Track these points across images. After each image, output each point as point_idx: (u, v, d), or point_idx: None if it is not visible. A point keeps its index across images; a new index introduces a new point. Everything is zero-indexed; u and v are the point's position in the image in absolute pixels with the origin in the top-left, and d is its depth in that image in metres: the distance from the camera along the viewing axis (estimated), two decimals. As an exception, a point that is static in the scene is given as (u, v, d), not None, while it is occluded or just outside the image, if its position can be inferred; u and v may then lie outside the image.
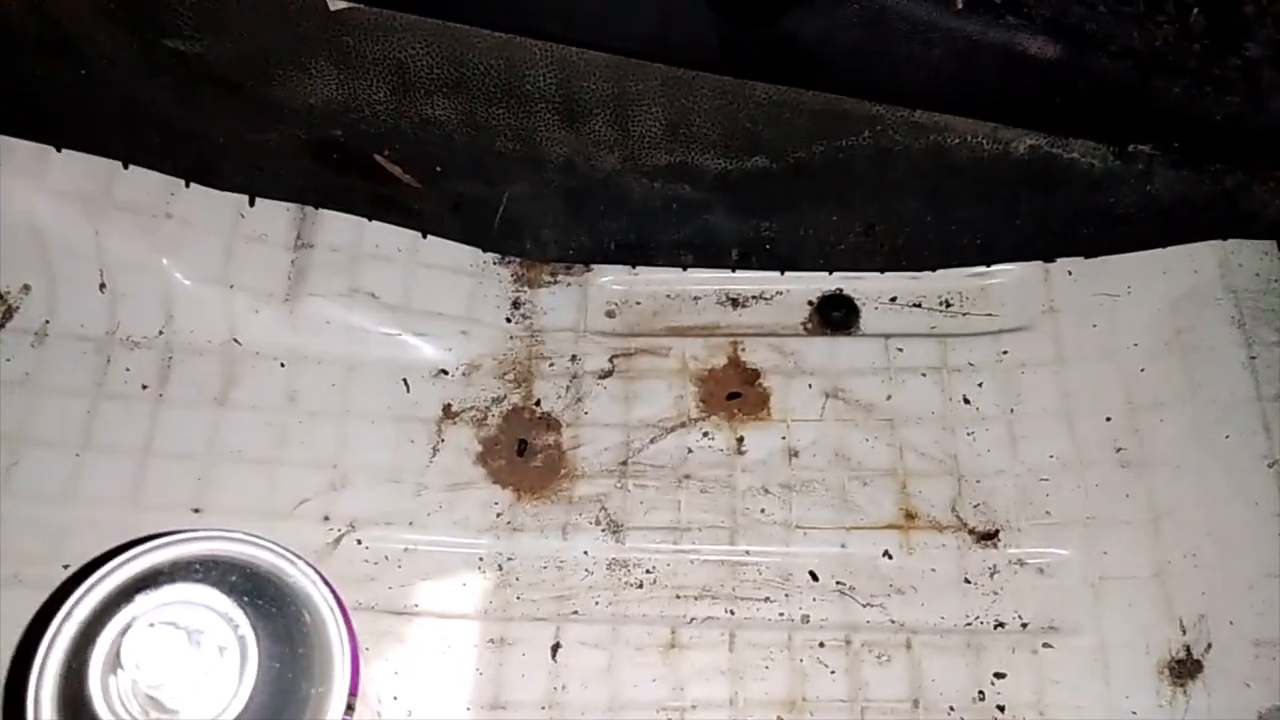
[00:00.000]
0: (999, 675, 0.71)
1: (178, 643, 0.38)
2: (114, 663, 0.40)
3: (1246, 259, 0.80)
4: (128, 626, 0.40)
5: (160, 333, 0.80)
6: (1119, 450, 0.77)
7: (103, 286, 0.80)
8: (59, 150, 0.78)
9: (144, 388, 0.79)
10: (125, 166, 0.80)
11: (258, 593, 0.42)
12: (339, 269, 0.82)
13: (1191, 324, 0.79)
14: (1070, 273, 0.83)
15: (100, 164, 0.79)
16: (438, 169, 0.83)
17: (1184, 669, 0.69)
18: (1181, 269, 0.81)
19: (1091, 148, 0.81)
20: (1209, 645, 0.70)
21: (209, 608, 0.41)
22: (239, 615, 0.41)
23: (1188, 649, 0.70)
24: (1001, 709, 0.70)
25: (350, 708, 0.43)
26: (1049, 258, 0.84)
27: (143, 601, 0.41)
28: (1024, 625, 0.73)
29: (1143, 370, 0.79)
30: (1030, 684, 0.71)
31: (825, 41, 0.76)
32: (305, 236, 0.83)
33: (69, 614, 0.42)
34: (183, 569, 0.42)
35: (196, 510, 0.75)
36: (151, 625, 0.39)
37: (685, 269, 0.87)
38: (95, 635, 0.41)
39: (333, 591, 0.44)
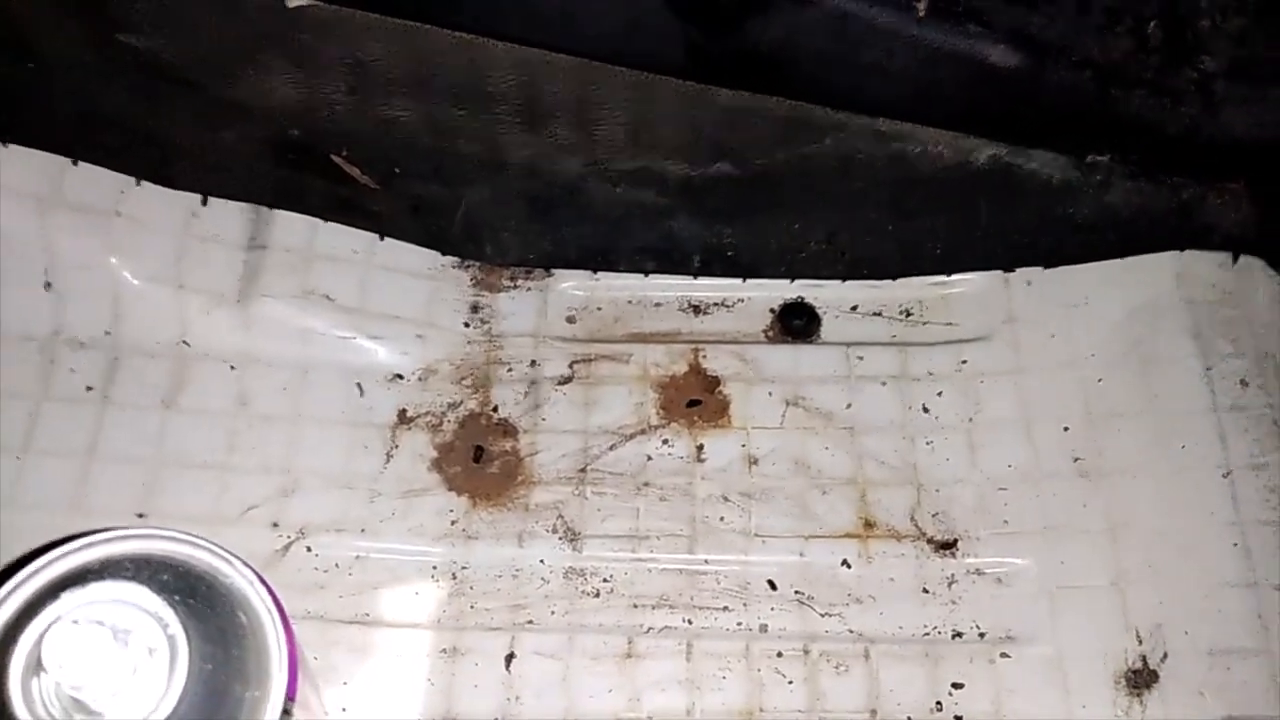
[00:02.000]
0: (957, 685, 0.71)
1: (102, 641, 0.37)
2: (36, 664, 0.38)
3: (1203, 270, 0.80)
4: (50, 625, 0.38)
5: (107, 333, 0.78)
6: (1076, 460, 0.77)
7: (48, 285, 0.78)
8: (5, 145, 0.77)
9: (89, 389, 0.77)
10: (74, 163, 0.78)
11: (191, 592, 0.41)
12: (293, 270, 0.81)
13: (1149, 334, 0.79)
14: (1029, 282, 0.84)
15: (49, 160, 0.77)
16: (396, 170, 0.82)
17: (1140, 679, 0.69)
18: (1139, 280, 0.81)
19: (1051, 158, 0.81)
20: (1165, 655, 0.70)
21: (138, 606, 0.39)
22: (169, 614, 0.39)
23: (1144, 659, 0.70)
24: (959, 719, 0.69)
25: (287, 712, 0.41)
26: (1009, 267, 0.84)
27: (68, 600, 0.39)
28: (981, 635, 0.72)
29: (1100, 380, 0.79)
30: (988, 694, 0.70)
31: (788, 47, 0.76)
32: (259, 237, 0.81)
33: (-10, 614, 0.40)
34: (112, 567, 0.41)
35: (141, 515, 0.73)
36: (75, 623, 0.37)
37: (647, 275, 0.86)
38: (17, 635, 0.39)
39: (271, 593, 0.42)
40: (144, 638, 0.39)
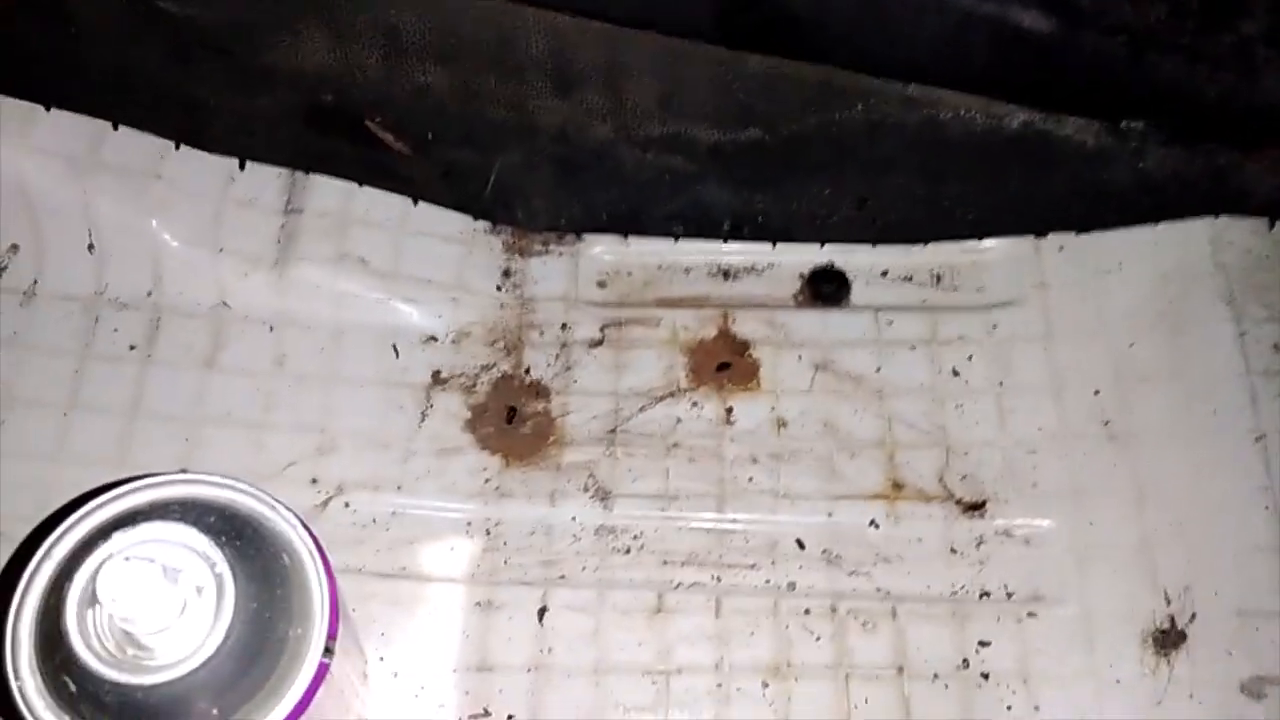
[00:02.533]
0: (983, 644, 0.71)
1: (153, 577, 0.38)
2: (90, 598, 0.40)
3: (1238, 236, 0.80)
4: (104, 562, 0.40)
5: (149, 294, 0.80)
6: (1106, 423, 0.77)
7: (91, 247, 0.79)
8: (48, 109, 0.78)
9: (132, 349, 0.79)
10: (115, 128, 0.80)
11: (236, 534, 0.42)
12: (328, 234, 0.82)
13: (1181, 300, 0.79)
14: (1062, 248, 0.83)
15: (89, 124, 0.79)
16: (429, 136, 0.83)
17: (1168, 639, 0.70)
18: (1172, 245, 0.81)
19: (1084, 124, 0.81)
20: (1193, 615, 0.70)
21: (186, 546, 0.40)
22: (217, 555, 0.41)
23: (1172, 619, 0.70)
24: (985, 676, 0.70)
25: (329, 651, 0.42)
26: (1040, 233, 0.84)
27: (120, 539, 0.41)
28: (1009, 595, 0.73)
29: (1132, 345, 0.79)
30: (1014, 653, 0.71)
31: (818, 12, 0.76)
32: (295, 201, 0.82)
33: (46, 553, 0.42)
34: (161, 509, 0.42)
35: (183, 471, 0.74)
36: (127, 560, 0.39)
37: (677, 240, 0.86)
38: (72, 572, 0.41)
39: (313, 537, 0.44)
40: (192, 576, 0.40)
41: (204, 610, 0.40)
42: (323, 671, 0.42)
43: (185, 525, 0.41)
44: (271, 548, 0.43)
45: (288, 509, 0.44)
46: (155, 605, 0.38)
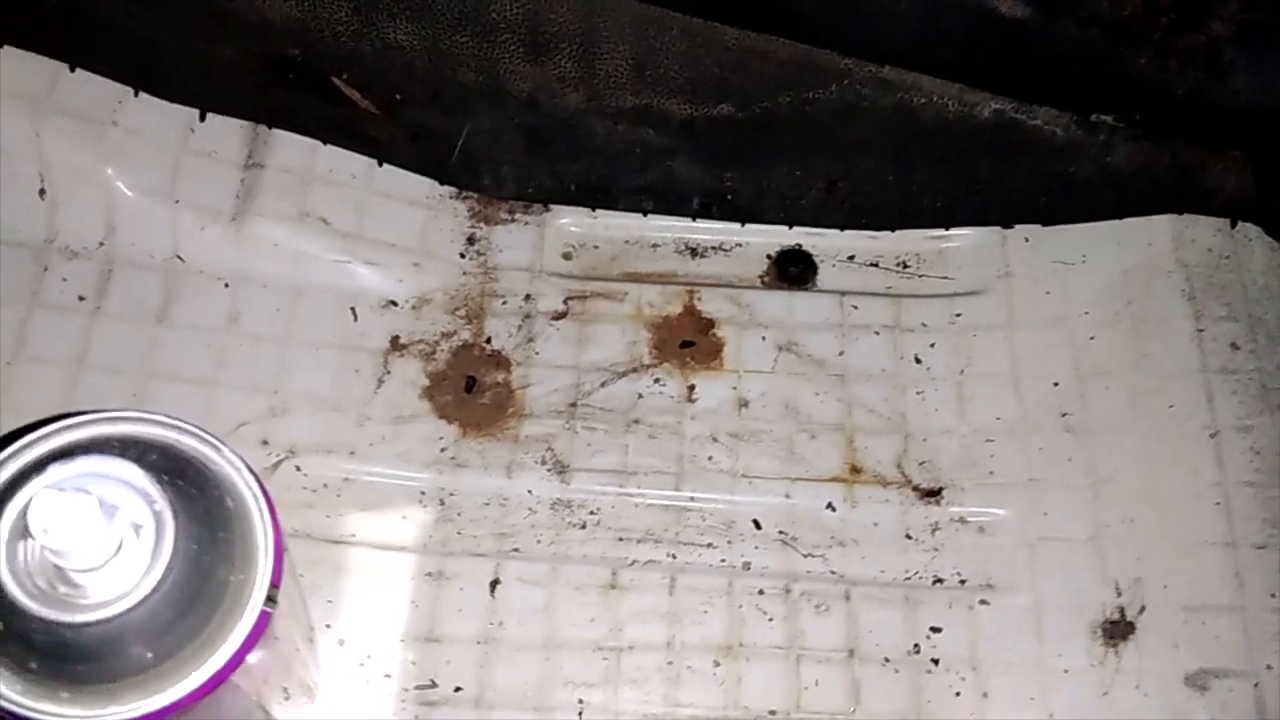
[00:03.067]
0: (935, 629, 0.71)
1: (88, 510, 0.37)
2: (22, 531, 0.38)
3: (1200, 234, 0.81)
4: (38, 494, 0.38)
5: (101, 244, 0.78)
6: (1064, 415, 0.77)
7: (42, 193, 0.77)
8: (1, 46, 0.76)
9: (81, 299, 0.76)
10: (72, 69, 0.77)
11: (179, 474, 0.40)
12: (290, 191, 0.80)
13: (1142, 295, 0.80)
14: (1027, 239, 0.84)
15: (45, 64, 0.76)
16: (397, 96, 0.81)
17: (1117, 630, 0.70)
18: (1136, 241, 0.81)
19: (1054, 115, 0.81)
20: (1143, 608, 0.70)
21: (126, 483, 0.39)
22: (157, 493, 0.39)
23: (1121, 611, 0.71)
24: (935, 662, 0.70)
25: (271, 600, 0.41)
26: (1007, 224, 0.84)
27: (56, 471, 0.39)
28: (962, 582, 0.73)
29: (1092, 338, 0.79)
30: (965, 639, 0.71)
31: (796, -13, 0.75)
32: (256, 156, 0.80)
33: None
34: (101, 445, 0.41)
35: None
36: (62, 490, 0.37)
37: (645, 215, 0.86)
38: (4, 504, 0.39)
39: (259, 481, 0.42)
40: (131, 513, 0.39)
41: (141, 549, 0.39)
42: (264, 620, 0.41)
43: (126, 461, 0.40)
44: (215, 490, 0.42)
45: (234, 452, 0.43)
46: (89, 540, 0.37)
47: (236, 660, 0.41)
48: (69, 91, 0.77)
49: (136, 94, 0.79)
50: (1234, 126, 0.81)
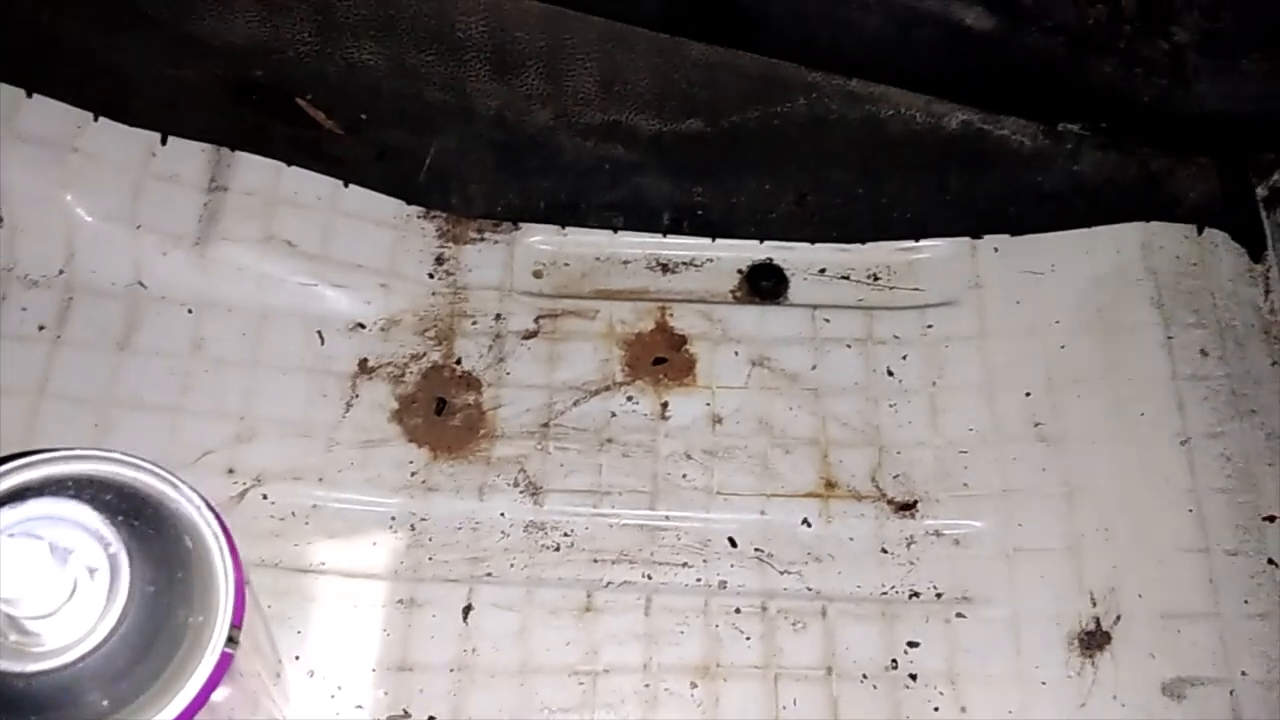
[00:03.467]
0: (912, 644, 0.71)
1: (39, 556, 0.36)
2: (-30, 580, 0.37)
3: (1168, 241, 0.81)
4: (-13, 541, 0.37)
5: (61, 271, 0.76)
6: (1037, 425, 0.77)
7: (0, 220, 0.75)
8: (-44, 74, 0.74)
9: (40, 328, 0.75)
10: (29, 95, 0.76)
11: (135, 513, 0.39)
12: (254, 214, 0.79)
13: (1112, 303, 0.80)
14: (996, 249, 0.84)
15: (2, 90, 0.75)
16: (362, 116, 0.81)
17: (1093, 640, 0.70)
18: (1105, 249, 0.81)
19: (1022, 125, 0.81)
20: (1118, 617, 0.70)
21: (79, 524, 0.38)
22: (111, 534, 0.38)
23: (1097, 621, 0.71)
24: (914, 677, 0.70)
25: (233, 640, 0.40)
26: (977, 234, 0.84)
27: (6, 515, 0.38)
28: (938, 595, 0.73)
29: (1063, 347, 0.79)
30: (942, 653, 0.71)
31: (763, 2, 0.75)
32: (219, 179, 0.79)
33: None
34: (53, 485, 0.39)
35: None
36: (11, 536, 0.36)
37: (616, 231, 0.85)
38: (-48, 553, 0.38)
39: (218, 518, 0.41)
40: (84, 556, 0.38)
41: (96, 593, 0.38)
42: (225, 662, 0.40)
43: (79, 503, 0.39)
44: (173, 529, 0.40)
45: (192, 489, 0.42)
46: (42, 586, 0.36)
47: (197, 704, 0.40)
48: (27, 117, 0.76)
49: (96, 118, 0.78)
50: (1199, 133, 0.82)
